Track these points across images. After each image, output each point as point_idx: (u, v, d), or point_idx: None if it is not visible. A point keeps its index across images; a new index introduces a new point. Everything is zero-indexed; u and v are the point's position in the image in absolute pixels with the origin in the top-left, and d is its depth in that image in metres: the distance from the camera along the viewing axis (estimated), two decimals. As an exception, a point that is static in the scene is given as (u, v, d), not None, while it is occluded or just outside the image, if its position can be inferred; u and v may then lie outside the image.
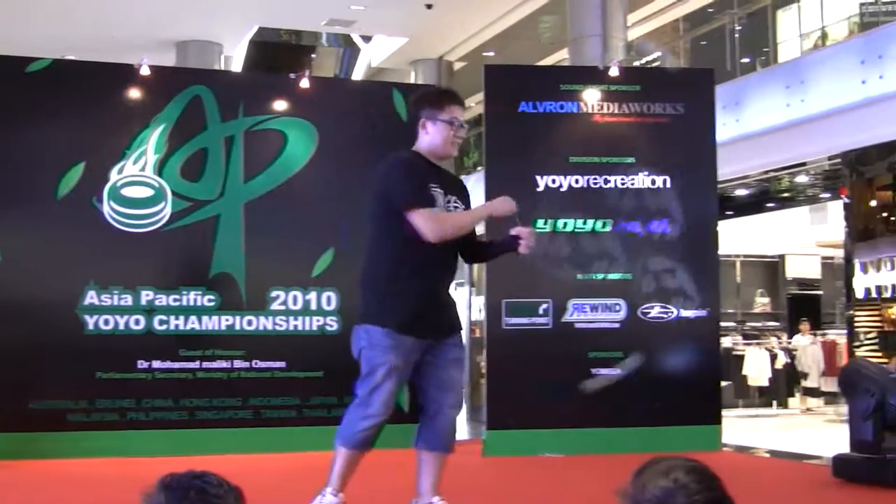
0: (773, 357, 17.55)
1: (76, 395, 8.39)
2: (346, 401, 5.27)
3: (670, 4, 20.26)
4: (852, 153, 13.84)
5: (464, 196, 5.37)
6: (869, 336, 13.87)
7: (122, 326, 8.54)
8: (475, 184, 11.08)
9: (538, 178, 8.86)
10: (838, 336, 17.24)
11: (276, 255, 8.93)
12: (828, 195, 17.30)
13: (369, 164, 5.49)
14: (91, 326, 8.48)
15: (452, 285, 5.58)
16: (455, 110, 5.25)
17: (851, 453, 6.96)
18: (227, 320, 8.77)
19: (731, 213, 17.95)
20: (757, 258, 20.80)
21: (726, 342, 17.26)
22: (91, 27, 20.02)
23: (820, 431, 14.71)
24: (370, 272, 5.27)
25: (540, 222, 8.77)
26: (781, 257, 20.93)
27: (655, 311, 8.86)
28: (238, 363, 8.74)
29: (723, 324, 12.64)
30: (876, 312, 13.80)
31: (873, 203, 14.10)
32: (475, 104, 19.86)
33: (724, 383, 13.87)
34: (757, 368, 17.43)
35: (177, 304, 8.68)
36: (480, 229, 6.81)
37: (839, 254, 17.23)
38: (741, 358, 17.65)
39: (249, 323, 8.80)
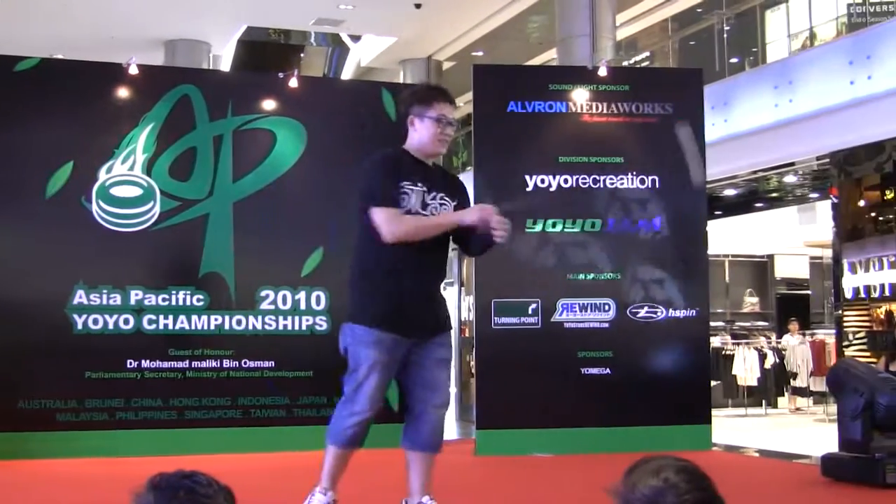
0: (763, 357, 17.57)
1: (65, 394, 8.37)
2: (335, 400, 5.27)
3: (659, 5, 20.28)
4: (840, 153, 13.86)
5: (457, 194, 5.33)
6: (858, 336, 13.89)
7: (111, 326, 8.52)
8: (465, 184, 11.04)
9: (527, 177, 8.86)
10: (827, 336, 17.27)
11: (265, 255, 8.93)
12: (816, 195, 17.33)
13: (358, 164, 5.48)
14: (80, 326, 8.47)
15: (442, 285, 5.57)
16: (443, 107, 5.22)
17: (840, 452, 6.96)
18: (216, 320, 8.76)
19: (720, 213, 17.96)
20: (746, 258, 20.84)
21: (715, 342, 17.29)
22: (79, 26, 19.99)
23: (809, 431, 14.75)
24: (355, 270, 5.28)
25: (529, 222, 8.78)
26: (770, 257, 20.98)
27: (644, 310, 8.87)
28: (227, 363, 8.73)
29: (712, 324, 12.66)
30: (864, 312, 13.82)
31: (861, 203, 14.12)
32: (464, 104, 19.86)
33: (713, 383, 13.90)
34: (746, 368, 17.44)
35: (166, 303, 8.67)
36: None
37: (828, 254, 17.26)
38: (730, 358, 17.67)
39: (239, 322, 8.80)
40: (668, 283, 8.96)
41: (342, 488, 5.25)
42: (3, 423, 8.18)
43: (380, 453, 5.91)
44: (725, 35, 17.10)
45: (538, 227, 8.81)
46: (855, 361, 9.03)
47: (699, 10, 19.64)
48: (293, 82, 9.26)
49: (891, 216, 13.42)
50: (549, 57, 21.25)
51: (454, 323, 16.37)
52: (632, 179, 8.96)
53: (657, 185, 8.98)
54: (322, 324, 8.91)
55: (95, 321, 8.50)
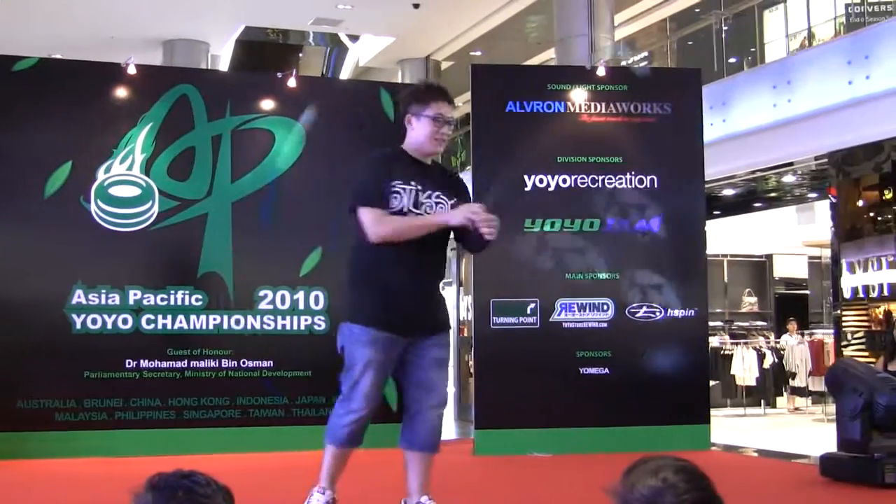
0: (761, 357, 17.58)
1: (64, 394, 8.36)
2: (333, 400, 5.26)
3: (657, 4, 20.29)
4: (839, 153, 13.86)
5: (457, 192, 5.31)
6: (856, 335, 13.89)
7: (109, 326, 8.52)
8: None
9: (526, 177, 8.86)
10: (826, 336, 17.28)
11: (263, 255, 8.92)
12: (815, 195, 17.35)
13: (356, 164, 5.48)
14: (79, 326, 8.46)
15: (441, 284, 5.57)
16: (440, 106, 5.21)
17: (839, 452, 6.96)
18: (214, 320, 8.76)
19: (719, 212, 17.97)
20: (744, 258, 20.85)
21: (714, 342, 17.29)
22: (78, 26, 19.99)
23: (808, 431, 14.76)
24: (350, 269, 5.30)
25: (528, 221, 8.79)
26: (769, 257, 20.98)
27: (643, 310, 8.87)
28: (226, 362, 8.73)
29: (710, 323, 12.65)
30: (863, 312, 13.82)
31: (860, 203, 14.12)
32: (462, 104, 19.84)
33: (712, 383, 13.90)
34: (745, 368, 17.46)
35: (164, 303, 8.66)
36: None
37: (826, 253, 17.28)
38: (729, 358, 17.69)
39: (237, 322, 8.79)
40: (667, 283, 8.96)
41: (342, 488, 5.26)
42: (2, 423, 8.17)
43: (379, 453, 5.91)
44: (724, 35, 17.12)
45: (537, 227, 8.81)
46: (854, 361, 9.03)
47: (697, 10, 19.65)
48: (291, 82, 9.26)
49: (889, 216, 13.41)
50: (548, 57, 21.27)
51: (453, 323, 16.38)
52: (630, 179, 8.96)
53: (656, 185, 8.98)
54: (321, 323, 8.91)
55: (94, 321, 8.49)
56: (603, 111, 9.08)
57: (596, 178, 8.93)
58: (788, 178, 16.51)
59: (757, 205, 18.72)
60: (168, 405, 8.58)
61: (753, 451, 9.82)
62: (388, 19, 20.81)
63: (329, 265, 8.78)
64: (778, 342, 18.35)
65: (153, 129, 8.75)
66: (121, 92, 8.87)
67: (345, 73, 25.16)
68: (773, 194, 18.07)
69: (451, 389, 15.73)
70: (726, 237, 18.83)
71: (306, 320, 8.92)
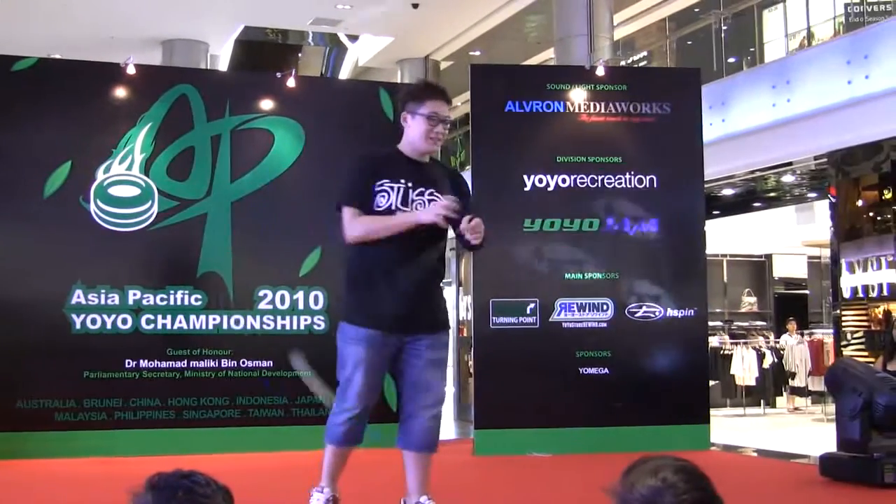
0: (761, 356, 17.57)
1: (64, 394, 8.37)
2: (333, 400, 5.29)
3: (656, 4, 20.28)
4: (838, 153, 13.85)
5: (458, 190, 5.30)
6: (856, 335, 13.88)
7: (109, 326, 8.52)
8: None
9: (525, 177, 8.86)
10: (825, 335, 17.27)
11: (263, 255, 8.92)
12: (814, 195, 17.33)
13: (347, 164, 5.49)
14: (78, 326, 8.46)
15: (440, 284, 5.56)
16: (436, 105, 5.22)
17: (839, 452, 6.97)
18: (214, 319, 8.76)
19: (718, 212, 17.97)
20: (744, 258, 20.82)
21: (713, 342, 17.27)
22: (77, 26, 19.98)
23: (807, 430, 14.75)
24: (346, 269, 5.33)
25: (527, 221, 8.79)
26: (768, 257, 20.96)
27: (642, 310, 8.87)
28: (225, 362, 8.73)
29: (710, 323, 12.65)
30: (863, 312, 13.81)
31: (859, 203, 14.11)
32: (462, 103, 19.82)
33: (711, 383, 13.90)
34: (744, 368, 17.44)
35: (164, 303, 8.67)
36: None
37: (826, 253, 17.26)
38: (729, 357, 17.67)
39: (237, 322, 8.79)
40: (666, 283, 8.97)
41: (342, 487, 5.28)
42: (2, 423, 8.18)
43: (379, 452, 5.92)
44: (723, 35, 17.10)
45: (536, 227, 8.82)
46: (853, 361, 9.02)
47: (697, 10, 19.64)
48: (291, 82, 9.26)
49: (889, 216, 13.41)
50: (547, 56, 21.25)
51: (452, 323, 16.37)
52: (630, 179, 8.96)
53: (655, 185, 8.98)
54: (320, 323, 8.91)
55: (94, 321, 8.50)
56: (602, 111, 9.08)
57: (595, 177, 8.93)
58: (788, 178, 16.50)
59: (756, 205, 18.71)
60: (168, 405, 8.59)
61: (753, 450, 9.82)
62: (388, 19, 20.80)
63: (329, 265, 8.78)
64: (777, 342, 18.34)
65: (152, 128, 8.76)
66: (120, 92, 8.88)
67: (344, 73, 25.15)
68: (772, 194, 18.06)
69: (450, 389, 15.79)
70: (726, 237, 18.81)
71: (306, 320, 8.92)
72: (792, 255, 21.24)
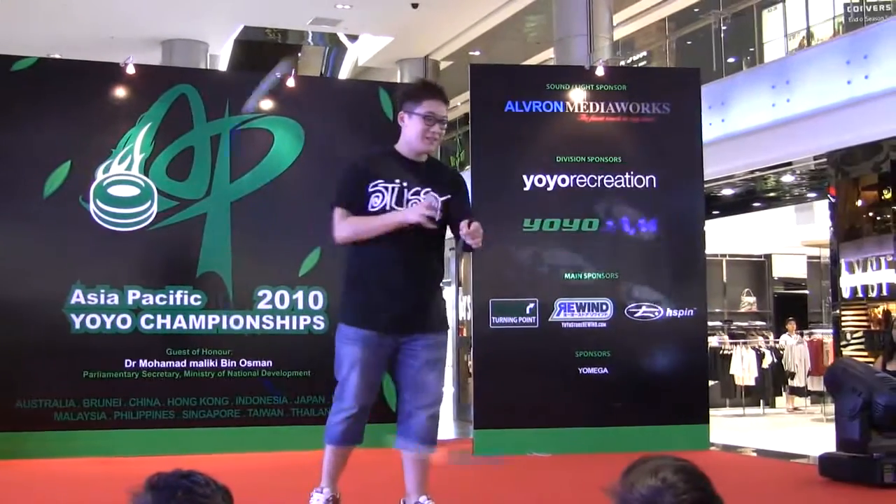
0: (760, 356, 17.57)
1: (63, 394, 8.37)
2: (332, 400, 5.29)
3: (656, 4, 20.29)
4: (838, 153, 13.85)
5: (453, 189, 5.29)
6: (855, 335, 13.88)
7: (108, 326, 8.52)
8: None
9: (525, 177, 8.86)
10: (825, 335, 17.26)
11: (262, 255, 8.92)
12: (814, 195, 17.34)
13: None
14: (78, 325, 8.46)
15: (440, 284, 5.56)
16: (433, 105, 5.22)
17: (838, 452, 6.97)
18: (213, 319, 8.76)
19: (718, 212, 17.97)
20: (743, 258, 20.82)
21: (713, 342, 17.27)
22: (77, 26, 19.98)
23: (807, 430, 14.75)
24: (344, 269, 5.34)
25: (527, 221, 8.79)
26: (768, 257, 20.95)
27: (642, 310, 8.87)
28: (225, 362, 8.73)
29: (709, 323, 12.65)
30: (862, 312, 13.81)
31: (859, 203, 14.12)
32: (461, 104, 19.82)
33: (711, 383, 13.90)
34: (744, 368, 17.43)
35: (163, 303, 8.67)
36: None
37: (825, 253, 17.26)
38: (728, 357, 17.66)
39: (236, 322, 8.79)
40: (666, 283, 8.97)
41: (342, 487, 5.28)
42: (1, 423, 8.18)
43: (379, 452, 5.91)
44: (723, 35, 17.11)
45: (535, 227, 8.82)
46: (853, 361, 9.03)
47: (696, 10, 19.64)
48: (290, 82, 9.26)
49: (888, 216, 13.41)
50: (547, 57, 21.26)
51: (452, 323, 16.36)
52: (629, 179, 8.96)
53: (654, 185, 8.98)
54: (320, 323, 8.91)
55: (93, 321, 8.50)
56: (602, 111, 9.08)
57: (595, 177, 8.93)
58: (787, 178, 16.50)
59: (756, 205, 18.71)
60: (167, 405, 8.59)
61: (752, 450, 9.82)
62: (387, 19, 20.81)
63: (328, 265, 8.77)
64: (777, 342, 18.33)
65: (152, 128, 8.76)
66: (120, 92, 8.88)
67: (344, 73, 25.15)
68: (771, 194, 18.06)
69: (450, 389, 15.78)
70: (725, 237, 18.82)
71: (305, 320, 8.92)
72: (791, 255, 21.23)
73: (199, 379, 8.68)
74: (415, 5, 19.62)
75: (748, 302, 20.49)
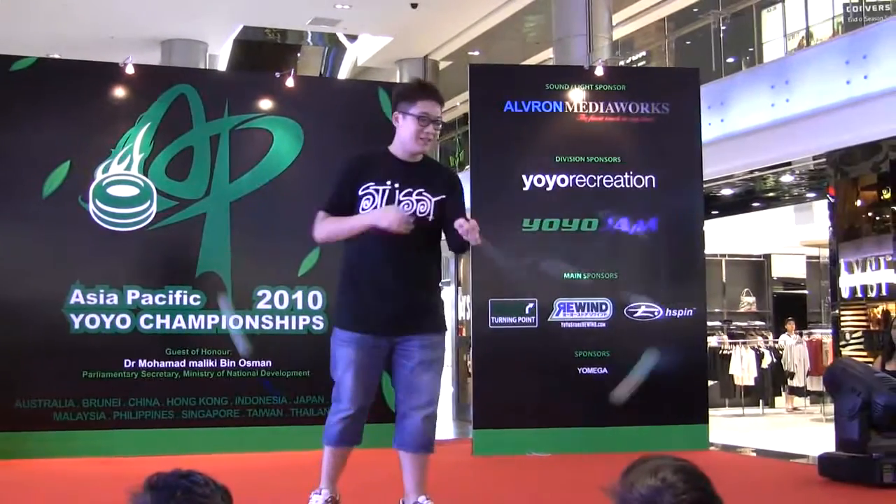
0: (760, 356, 17.57)
1: (62, 394, 8.36)
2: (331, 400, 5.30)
3: (655, 4, 20.27)
4: (837, 153, 13.86)
5: (447, 189, 5.28)
6: (854, 335, 13.89)
7: (108, 325, 8.52)
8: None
9: (524, 177, 8.86)
10: (824, 335, 17.27)
11: (262, 255, 8.92)
12: (813, 195, 17.34)
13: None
14: (77, 325, 8.46)
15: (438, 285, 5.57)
16: (427, 105, 5.21)
17: (837, 452, 6.97)
18: (213, 319, 8.76)
19: (717, 212, 17.97)
20: (742, 258, 20.83)
21: (712, 342, 17.27)
22: (77, 26, 19.97)
23: (806, 430, 14.76)
24: (339, 271, 5.38)
25: (526, 221, 8.79)
26: (767, 257, 20.96)
27: (641, 310, 8.87)
28: (224, 362, 8.73)
29: (709, 323, 12.65)
30: (861, 312, 13.82)
31: (858, 203, 14.12)
32: (460, 103, 19.83)
33: (710, 383, 13.90)
34: (743, 368, 17.45)
35: (163, 303, 8.66)
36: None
37: (825, 253, 17.27)
38: (727, 357, 17.67)
39: (236, 322, 8.79)
40: (665, 283, 8.97)
41: (341, 487, 5.28)
42: (1, 423, 8.18)
43: (379, 453, 5.90)
44: (722, 35, 17.11)
45: (535, 227, 8.81)
46: (852, 361, 9.04)
47: (696, 10, 19.64)
48: (290, 82, 9.25)
49: (887, 216, 13.42)
50: (546, 56, 21.24)
51: (451, 322, 16.38)
52: (628, 179, 8.96)
53: (654, 185, 8.98)
54: (319, 323, 8.91)
55: (92, 321, 8.49)
56: (601, 111, 9.08)
57: (594, 177, 8.93)
58: (786, 178, 16.50)
59: (755, 205, 18.71)
60: (166, 405, 8.59)
61: (752, 450, 9.82)
62: (386, 19, 20.80)
63: (327, 265, 8.75)
64: (776, 342, 18.34)
65: (151, 128, 8.75)
66: (119, 92, 8.87)
67: (343, 73, 25.16)
68: (771, 194, 18.06)
69: (449, 389, 15.78)
70: (724, 237, 18.82)
71: (304, 320, 8.92)
72: (791, 255, 21.25)
73: (199, 379, 8.68)
74: (414, 5, 19.61)
75: (747, 302, 20.49)
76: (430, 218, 5.15)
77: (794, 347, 17.64)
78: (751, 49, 17.76)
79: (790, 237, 20.39)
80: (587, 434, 8.68)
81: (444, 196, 5.21)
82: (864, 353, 13.26)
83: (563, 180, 8.91)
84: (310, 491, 5.26)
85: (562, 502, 6.68)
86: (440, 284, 5.65)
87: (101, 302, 8.51)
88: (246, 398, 8.74)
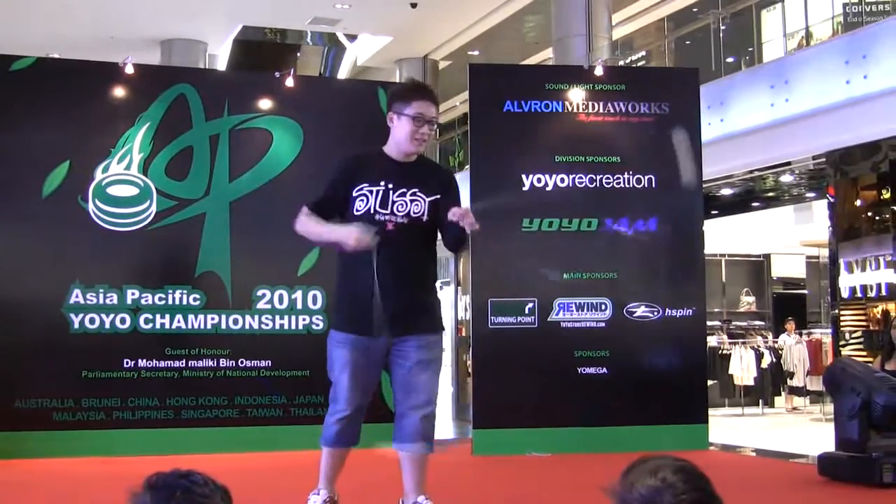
0: (759, 356, 17.58)
1: (62, 394, 8.35)
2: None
3: (655, 4, 20.28)
4: (836, 153, 13.85)
5: (442, 189, 5.27)
6: (854, 335, 13.89)
7: (107, 325, 8.52)
8: (461, 183, 11.03)
9: (524, 177, 8.86)
10: (824, 335, 17.28)
11: (261, 254, 8.91)
12: (812, 195, 17.34)
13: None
14: (77, 325, 8.46)
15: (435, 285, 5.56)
16: (422, 106, 5.21)
17: (837, 452, 6.97)
18: (212, 319, 8.76)
19: (717, 212, 17.97)
20: (742, 257, 20.83)
21: (712, 341, 17.28)
22: (77, 26, 19.99)
23: (806, 430, 14.77)
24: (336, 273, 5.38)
25: (526, 221, 8.79)
26: (767, 256, 20.97)
27: (641, 310, 8.87)
28: (224, 362, 8.73)
29: (708, 323, 12.65)
30: (861, 311, 13.82)
31: (858, 202, 14.13)
32: (460, 103, 19.83)
33: (710, 382, 13.90)
34: (743, 368, 17.46)
35: (162, 302, 8.66)
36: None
37: (824, 253, 17.27)
38: (727, 357, 17.69)
39: (235, 322, 8.79)
40: (665, 283, 8.97)
41: (340, 487, 5.28)
42: (1, 423, 8.17)
43: (377, 452, 5.91)
44: (721, 34, 17.11)
45: (535, 227, 8.81)
46: (852, 361, 9.03)
47: (695, 10, 19.64)
48: (289, 81, 9.25)
49: (887, 215, 13.42)
50: (546, 56, 21.26)
51: (451, 322, 16.36)
52: (628, 179, 8.96)
53: (653, 185, 8.98)
54: (318, 323, 8.90)
55: (92, 320, 8.49)
56: (601, 111, 9.08)
57: (594, 177, 8.93)
58: (786, 178, 16.49)
59: (755, 204, 18.71)
60: (166, 405, 8.58)
61: (751, 450, 9.82)
62: (386, 19, 20.82)
63: (327, 265, 8.70)
64: (776, 342, 18.36)
65: (151, 128, 8.75)
66: (118, 91, 8.87)
67: (342, 73, 25.17)
68: (770, 194, 18.06)
69: (449, 389, 15.78)
70: (724, 237, 18.83)
71: (304, 320, 8.91)
72: (790, 254, 21.26)
73: (198, 379, 8.67)
74: (413, 5, 19.62)
75: (747, 302, 20.50)
76: (425, 218, 5.15)
77: (793, 347, 17.65)
78: (750, 49, 17.76)
79: (790, 237, 20.40)
80: (587, 434, 8.68)
81: (438, 196, 5.21)
82: (864, 353, 13.26)
83: (562, 180, 8.91)
84: (309, 491, 5.27)
85: (561, 502, 6.67)
86: (437, 284, 5.65)
87: (101, 302, 8.51)
88: (245, 398, 8.73)
